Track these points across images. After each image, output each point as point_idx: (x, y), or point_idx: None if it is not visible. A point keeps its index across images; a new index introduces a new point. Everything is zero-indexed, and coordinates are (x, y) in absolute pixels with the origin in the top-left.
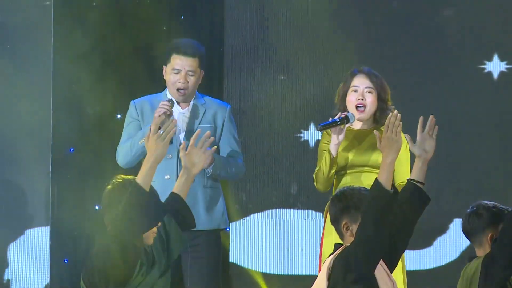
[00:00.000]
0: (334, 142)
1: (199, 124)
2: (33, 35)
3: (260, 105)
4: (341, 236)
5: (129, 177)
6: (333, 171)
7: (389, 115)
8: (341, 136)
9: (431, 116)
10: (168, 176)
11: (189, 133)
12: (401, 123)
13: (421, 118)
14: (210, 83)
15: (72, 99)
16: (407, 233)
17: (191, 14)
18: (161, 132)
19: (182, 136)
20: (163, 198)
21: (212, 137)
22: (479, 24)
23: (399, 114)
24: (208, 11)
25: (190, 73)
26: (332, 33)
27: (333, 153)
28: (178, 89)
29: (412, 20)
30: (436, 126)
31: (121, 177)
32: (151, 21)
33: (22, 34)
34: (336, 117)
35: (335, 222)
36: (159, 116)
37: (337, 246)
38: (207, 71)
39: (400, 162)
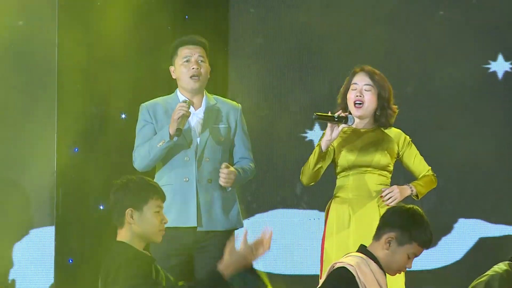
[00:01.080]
0: (327, 137)
1: (213, 125)
2: (38, 35)
3: (265, 104)
4: (377, 240)
5: (133, 176)
6: (319, 165)
7: None
8: (334, 134)
9: None
10: (187, 179)
11: (204, 134)
12: None
13: None
14: (215, 83)
15: (77, 98)
16: None
17: (196, 14)
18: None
19: (198, 138)
20: (183, 201)
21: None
22: (484, 24)
23: None
24: (213, 11)
25: (201, 59)
26: (336, 33)
27: (323, 147)
28: (192, 76)
29: (416, 20)
30: None
31: (125, 177)
32: (155, 21)
33: (27, 34)
34: (335, 114)
35: (386, 226)
36: (178, 118)
37: (362, 248)
38: (212, 71)
39: (416, 158)
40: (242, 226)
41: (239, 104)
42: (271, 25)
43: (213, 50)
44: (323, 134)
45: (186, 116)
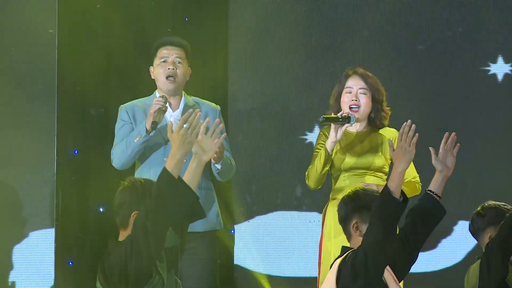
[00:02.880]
0: (332, 139)
1: None
2: (37, 37)
3: (264, 107)
4: (349, 236)
5: (139, 178)
6: (326, 168)
7: (403, 124)
8: (339, 134)
9: (453, 134)
10: None
11: None
12: (417, 134)
13: (445, 134)
14: (215, 85)
15: (77, 101)
16: (420, 243)
17: (195, 16)
18: (186, 127)
19: None
20: None
21: (221, 124)
22: (484, 26)
23: (414, 125)
24: (213, 13)
25: (178, 60)
26: (336, 35)
27: (329, 150)
28: (167, 77)
29: (416, 21)
30: (458, 144)
31: (132, 178)
32: (155, 23)
33: (26, 36)
34: (339, 114)
35: (345, 221)
36: (154, 112)
37: (344, 249)
38: (212, 73)
39: None
40: (222, 227)
41: (218, 106)
42: (271, 27)
43: (213, 51)
44: (319, 135)
45: (162, 110)
